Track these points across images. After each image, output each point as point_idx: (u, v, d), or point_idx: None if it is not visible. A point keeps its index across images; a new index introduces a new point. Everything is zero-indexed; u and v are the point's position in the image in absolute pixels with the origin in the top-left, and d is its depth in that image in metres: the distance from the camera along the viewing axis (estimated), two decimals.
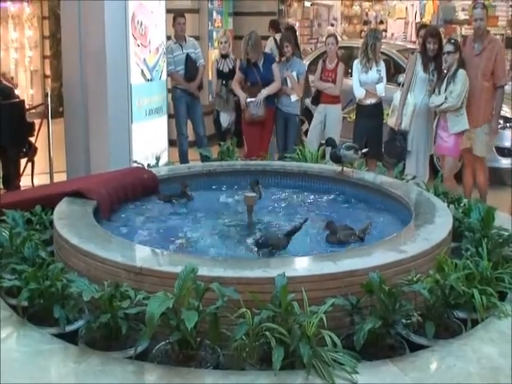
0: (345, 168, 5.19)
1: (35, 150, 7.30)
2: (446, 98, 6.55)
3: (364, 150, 5.55)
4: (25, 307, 3.14)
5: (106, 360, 2.77)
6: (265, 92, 7.53)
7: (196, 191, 5.08)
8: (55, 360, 2.81)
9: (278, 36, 9.82)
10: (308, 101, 8.60)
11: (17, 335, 2.98)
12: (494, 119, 6.83)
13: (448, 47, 6.66)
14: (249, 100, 7.54)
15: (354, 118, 8.07)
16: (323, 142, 7.80)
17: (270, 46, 9.94)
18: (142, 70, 6.97)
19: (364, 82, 7.57)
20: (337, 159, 5.16)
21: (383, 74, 7.59)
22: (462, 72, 6.55)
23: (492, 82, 6.74)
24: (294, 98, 7.77)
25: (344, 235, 3.98)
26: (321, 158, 5.93)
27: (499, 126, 7.23)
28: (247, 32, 7.89)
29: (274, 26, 10.70)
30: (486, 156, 7.00)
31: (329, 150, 5.53)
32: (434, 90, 6.82)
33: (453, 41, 6.92)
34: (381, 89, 7.55)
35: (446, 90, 6.58)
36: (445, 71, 6.80)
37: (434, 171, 7.39)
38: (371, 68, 7.54)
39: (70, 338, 2.98)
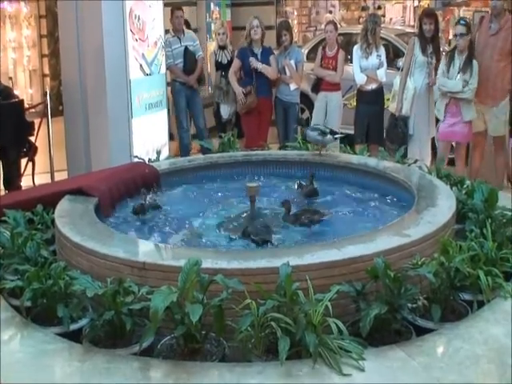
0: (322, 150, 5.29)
1: (35, 149, 7.28)
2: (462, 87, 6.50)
3: (337, 136, 5.44)
4: (28, 307, 3.13)
5: (111, 358, 2.76)
6: (260, 66, 7.50)
7: (198, 183, 5.11)
8: (60, 359, 2.79)
9: None
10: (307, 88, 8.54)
11: (20, 336, 2.96)
12: None
13: (460, 29, 6.56)
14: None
15: (355, 104, 8.03)
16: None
17: None
18: (141, 65, 6.95)
19: (365, 67, 7.53)
20: (303, 137, 5.36)
21: (383, 58, 7.56)
22: (475, 63, 6.52)
23: (508, 61, 6.64)
24: (292, 86, 7.74)
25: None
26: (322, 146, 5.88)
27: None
28: (245, 23, 7.89)
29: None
30: (502, 134, 6.90)
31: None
32: (437, 70, 6.76)
33: (463, 22, 6.80)
34: (382, 74, 7.51)
35: (457, 75, 6.51)
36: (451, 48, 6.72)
37: (435, 154, 7.34)
38: (371, 53, 7.50)
39: (75, 336, 2.97)
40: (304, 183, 4.78)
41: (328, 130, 5.29)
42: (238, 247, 3.85)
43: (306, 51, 9.82)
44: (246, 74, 7.68)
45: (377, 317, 2.85)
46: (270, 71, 7.62)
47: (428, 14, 7.10)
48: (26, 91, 12.73)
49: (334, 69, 7.80)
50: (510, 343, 2.77)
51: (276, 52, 7.93)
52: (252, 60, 7.55)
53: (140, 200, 4.39)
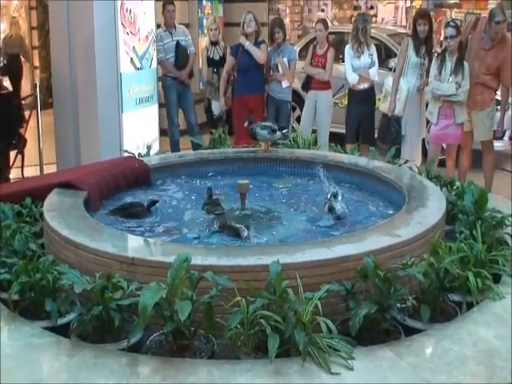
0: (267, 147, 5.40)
1: (25, 141, 7.24)
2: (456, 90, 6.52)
3: (285, 131, 5.56)
4: (15, 301, 3.10)
5: (99, 353, 2.74)
6: (247, 44, 7.48)
7: (188, 179, 5.10)
8: (47, 354, 2.77)
9: None
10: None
11: (8, 329, 2.94)
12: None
13: (450, 31, 6.55)
14: None
15: (346, 103, 8.03)
16: (315, 128, 7.82)
17: None
18: (132, 59, 6.92)
19: (357, 66, 7.52)
20: (253, 136, 5.35)
21: (375, 58, 7.56)
22: (466, 65, 6.52)
23: (495, 74, 6.67)
24: (285, 84, 7.71)
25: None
26: (313, 144, 5.90)
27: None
28: (237, 19, 7.86)
29: None
30: (488, 139, 6.93)
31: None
32: (428, 73, 6.76)
33: (453, 24, 6.78)
34: (374, 73, 7.51)
35: (449, 77, 6.52)
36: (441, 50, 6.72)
37: (426, 155, 7.36)
38: (363, 52, 7.49)
39: (62, 331, 2.95)
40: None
41: (277, 127, 5.34)
42: (227, 244, 3.84)
43: (298, 49, 9.80)
44: (238, 71, 7.63)
45: (366, 316, 2.85)
46: (256, 52, 7.50)
47: (422, 15, 7.11)
48: None
49: (324, 67, 7.78)
50: (498, 345, 2.79)
51: (269, 49, 7.90)
52: (241, 39, 7.51)
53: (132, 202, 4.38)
